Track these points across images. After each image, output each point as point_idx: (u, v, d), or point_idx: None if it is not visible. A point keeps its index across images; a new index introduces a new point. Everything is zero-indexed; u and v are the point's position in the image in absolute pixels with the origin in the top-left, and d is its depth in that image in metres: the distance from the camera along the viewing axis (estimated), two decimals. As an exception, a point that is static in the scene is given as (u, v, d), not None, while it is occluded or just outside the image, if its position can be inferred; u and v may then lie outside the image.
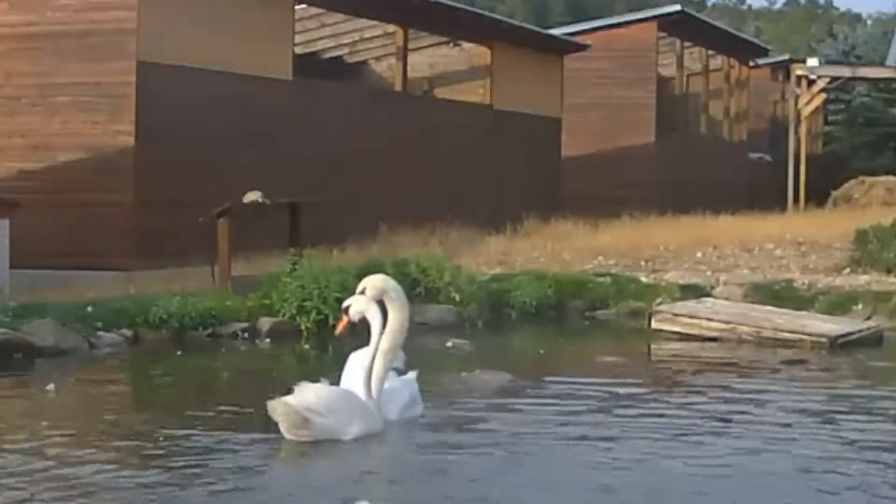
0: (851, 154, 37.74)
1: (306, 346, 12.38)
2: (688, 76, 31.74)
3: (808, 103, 32.01)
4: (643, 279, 15.75)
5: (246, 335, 12.56)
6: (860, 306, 14.27)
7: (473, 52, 25.26)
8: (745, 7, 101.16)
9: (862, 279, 15.59)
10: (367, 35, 25.31)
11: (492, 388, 9.52)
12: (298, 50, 20.32)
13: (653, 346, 13.01)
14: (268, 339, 12.53)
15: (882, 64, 35.96)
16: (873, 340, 12.87)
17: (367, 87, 25.38)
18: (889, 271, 15.78)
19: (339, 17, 23.38)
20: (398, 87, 22.38)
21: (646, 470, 6.87)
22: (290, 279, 12.85)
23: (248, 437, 7.61)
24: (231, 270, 13.81)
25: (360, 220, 18.28)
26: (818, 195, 30.64)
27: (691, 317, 13.26)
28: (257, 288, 13.11)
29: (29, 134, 16.08)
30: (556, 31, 28.87)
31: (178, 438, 7.57)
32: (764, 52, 36.67)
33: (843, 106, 38.96)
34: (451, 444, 7.51)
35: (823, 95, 32.77)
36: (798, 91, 31.97)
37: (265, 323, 12.68)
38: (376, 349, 7.88)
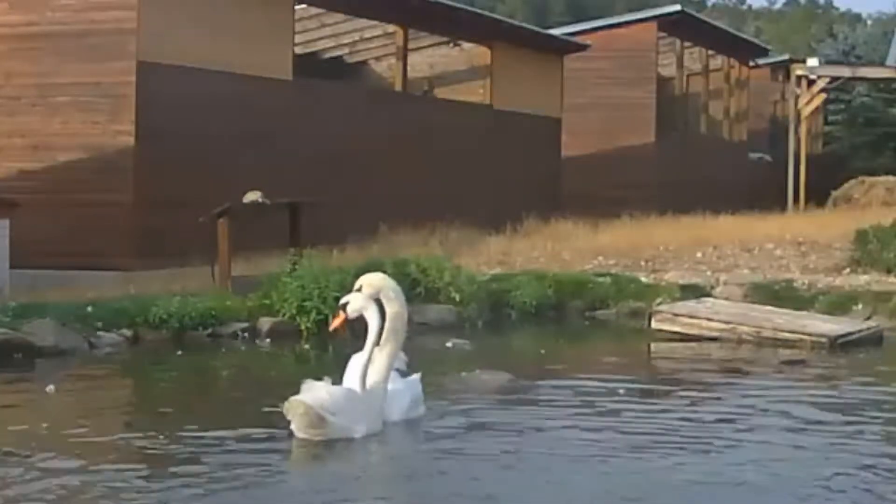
0: (851, 154, 37.74)
1: (306, 346, 12.37)
2: (688, 76, 31.74)
3: (808, 103, 32.01)
4: (643, 279, 15.75)
5: (246, 335, 12.55)
6: (860, 306, 14.27)
7: (473, 52, 25.27)
8: (745, 7, 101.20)
9: (862, 279, 15.59)
10: (367, 35, 25.31)
11: (492, 388, 9.52)
12: (298, 50, 20.32)
13: (653, 346, 13.00)
14: (268, 339, 12.53)
15: (882, 64, 35.96)
16: (873, 340, 12.87)
17: (367, 87, 25.38)
18: (889, 271, 15.79)
19: (339, 17, 23.38)
20: (398, 87, 22.38)
21: (647, 469, 6.87)
22: (290, 279, 12.84)
23: (249, 436, 7.61)
24: (231, 270, 13.81)
25: (360, 220, 18.28)
26: (818, 195, 30.64)
27: (691, 317, 13.26)
28: (257, 288, 13.11)
29: (29, 134, 16.08)
30: (556, 31, 28.87)
31: (179, 438, 7.56)
32: (764, 52, 36.67)
33: (843, 106, 38.96)
34: (452, 443, 7.51)
35: (823, 95, 32.78)
36: (798, 91, 31.98)
37: (265, 323, 12.68)
38: (373, 348, 7.87)
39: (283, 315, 12.70)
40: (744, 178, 33.04)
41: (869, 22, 71.28)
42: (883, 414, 8.80)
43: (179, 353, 11.68)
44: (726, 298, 14.56)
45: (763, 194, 31.29)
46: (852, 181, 31.77)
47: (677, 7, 29.11)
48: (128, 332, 12.03)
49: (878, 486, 6.54)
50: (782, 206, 30.25)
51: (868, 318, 13.80)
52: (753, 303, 14.30)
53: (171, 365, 11.28)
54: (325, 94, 19.72)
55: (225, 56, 16.87)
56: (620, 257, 17.64)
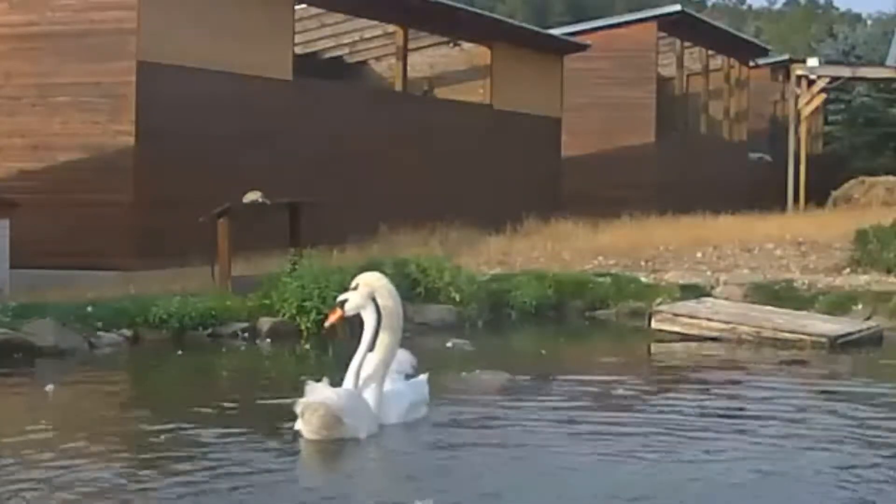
0: (851, 154, 37.76)
1: (306, 346, 12.37)
2: (688, 76, 31.73)
3: (808, 103, 32.01)
4: (643, 279, 15.75)
5: (246, 335, 12.55)
6: (860, 306, 14.27)
7: (473, 52, 25.26)
8: (745, 7, 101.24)
9: (862, 279, 15.59)
10: (367, 35, 25.30)
11: (492, 387, 9.52)
12: (298, 50, 20.32)
13: (653, 346, 13.00)
14: (268, 339, 12.53)
15: (882, 64, 35.96)
16: (873, 340, 12.88)
17: (367, 87, 25.38)
18: (889, 271, 15.79)
19: (339, 17, 23.37)
20: (398, 87, 22.37)
21: (647, 468, 6.87)
22: (290, 279, 12.84)
23: (249, 436, 7.61)
24: (231, 270, 13.81)
25: (360, 220, 18.28)
26: (818, 195, 30.65)
27: (691, 317, 13.26)
28: (257, 288, 13.11)
29: (29, 134, 16.08)
30: (556, 31, 28.87)
31: (179, 438, 7.56)
32: (764, 52, 36.66)
33: (843, 106, 38.97)
34: (453, 443, 7.51)
35: (823, 95, 32.78)
36: (798, 91, 31.97)
37: (265, 323, 12.68)
38: (368, 347, 7.87)
39: (283, 315, 12.70)
40: (744, 178, 33.03)
41: (869, 22, 71.32)
42: (883, 414, 8.80)
43: (179, 353, 11.69)
44: (726, 298, 14.57)
45: (763, 194, 31.29)
46: (852, 181, 31.78)
47: (677, 7, 29.11)
48: (128, 332, 12.04)
49: (878, 485, 6.55)
50: (782, 206, 30.25)
51: (868, 318, 13.81)
52: (753, 303, 14.31)
53: (171, 365, 11.29)
54: (325, 94, 19.72)
55: (225, 56, 16.87)
56: (620, 257, 17.65)
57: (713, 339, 12.89)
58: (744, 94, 34.22)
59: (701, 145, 31.79)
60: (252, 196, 14.37)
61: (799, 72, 32.29)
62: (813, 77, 32.03)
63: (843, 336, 12.56)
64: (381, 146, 20.24)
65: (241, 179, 15.55)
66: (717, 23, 36.95)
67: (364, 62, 27.10)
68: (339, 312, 8.08)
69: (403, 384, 8.18)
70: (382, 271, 8.98)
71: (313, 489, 6.66)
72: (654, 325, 13.43)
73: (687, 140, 31.28)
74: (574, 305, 15.04)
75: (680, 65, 31.00)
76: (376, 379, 7.88)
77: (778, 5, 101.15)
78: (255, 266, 14.35)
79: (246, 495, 6.32)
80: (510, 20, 29.05)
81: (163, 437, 7.61)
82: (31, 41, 16.06)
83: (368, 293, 8.00)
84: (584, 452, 7.29)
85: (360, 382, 7.83)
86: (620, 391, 9.60)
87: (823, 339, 12.43)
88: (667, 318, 13.39)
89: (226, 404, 8.98)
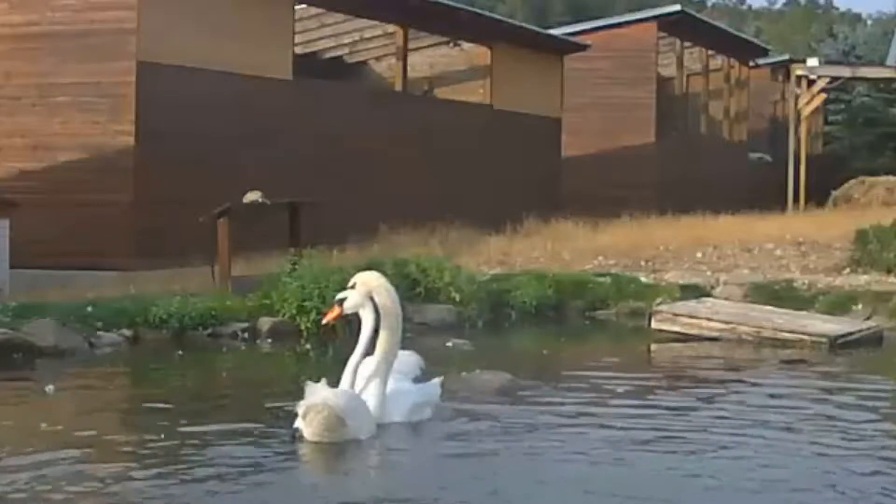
0: (851, 154, 37.76)
1: (306, 346, 12.37)
2: (688, 76, 31.74)
3: (808, 103, 32.01)
4: (643, 279, 15.75)
5: (246, 335, 12.56)
6: (860, 306, 14.27)
7: (473, 52, 25.26)
8: (745, 7, 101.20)
9: (862, 279, 15.60)
10: (367, 35, 25.30)
11: (492, 388, 9.51)
12: (298, 50, 20.32)
13: (653, 346, 13.00)
14: (268, 340, 12.53)
15: (882, 64, 35.95)
16: (873, 340, 12.88)
17: (367, 87, 25.38)
18: (889, 271, 15.79)
19: (339, 17, 23.37)
20: (398, 87, 22.38)
21: (647, 468, 6.87)
22: (290, 279, 12.84)
23: (250, 436, 7.60)
24: (231, 270, 13.81)
25: (360, 220, 18.28)
26: (818, 195, 30.65)
27: (691, 317, 13.26)
28: (257, 288, 13.11)
29: (29, 134, 16.08)
30: (556, 31, 28.87)
31: (179, 438, 7.56)
32: (764, 52, 36.66)
33: (843, 106, 38.97)
34: (453, 443, 7.51)
35: (823, 95, 32.78)
36: (798, 91, 31.98)
37: (265, 323, 12.68)
38: (366, 347, 7.87)
39: (283, 315, 12.70)
40: (744, 178, 33.04)
41: (869, 22, 71.33)
42: (883, 413, 8.80)
43: (179, 353, 11.69)
44: (726, 298, 14.56)
45: (763, 194, 31.29)
46: (852, 181, 31.77)
47: (677, 7, 29.11)
48: (128, 332, 12.04)
49: (878, 485, 6.54)
50: (782, 206, 30.26)
51: (868, 318, 13.81)
52: (753, 303, 14.30)
53: (171, 365, 11.28)
54: (325, 94, 19.72)
55: (225, 56, 16.87)
56: (620, 257, 17.65)
57: (713, 339, 12.89)
58: (744, 94, 34.22)
59: (701, 145, 31.79)
60: (252, 196, 14.37)
61: (799, 72, 32.30)
62: (813, 77, 32.03)
63: (843, 336, 12.56)
64: (381, 146, 20.24)
65: (241, 179, 15.56)
66: (717, 23, 36.97)
67: (364, 62, 27.09)
68: (337, 310, 8.07)
69: (408, 385, 8.16)
70: (382, 271, 8.98)
71: (313, 489, 6.65)
72: (654, 325, 13.43)
73: (687, 140, 31.28)
74: (574, 305, 15.04)
75: (680, 65, 31.00)
76: (376, 379, 7.88)
77: (778, 5, 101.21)
78: (255, 266, 14.35)
79: (246, 495, 6.32)
80: (510, 20, 29.05)
81: (163, 436, 7.61)
82: (31, 41, 16.06)
83: (366, 292, 7.99)
84: (584, 452, 7.28)
85: (360, 383, 7.83)
86: (621, 391, 9.60)
87: (823, 339, 12.43)
88: (667, 318, 13.39)
89: (225, 404, 8.97)
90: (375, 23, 23.71)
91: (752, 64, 34.74)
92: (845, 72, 33.33)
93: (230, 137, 16.99)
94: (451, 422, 8.11)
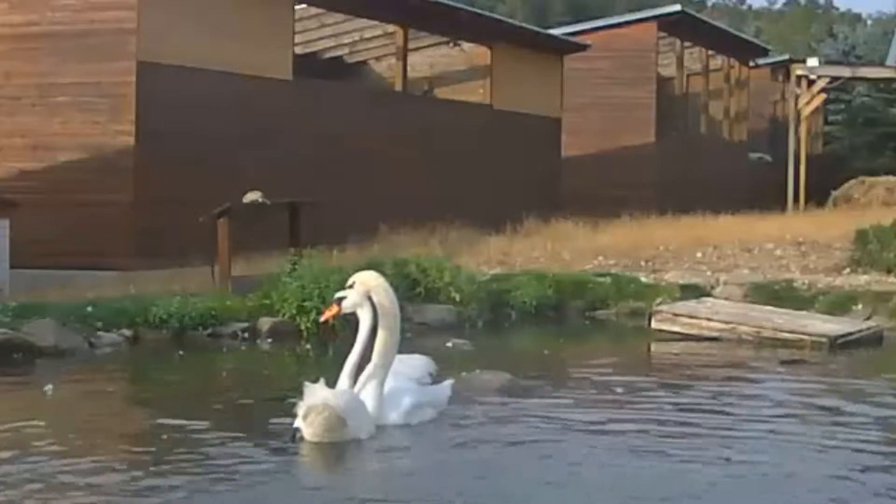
0: (851, 154, 37.75)
1: (306, 346, 12.38)
2: (688, 76, 31.74)
3: (808, 103, 32.01)
4: (643, 279, 15.75)
5: (246, 335, 12.55)
6: (860, 306, 14.27)
7: (473, 52, 25.26)
8: (745, 7, 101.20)
9: (862, 279, 15.59)
10: (367, 35, 25.30)
11: (492, 388, 9.52)
12: (298, 50, 20.32)
13: (653, 346, 13.01)
14: (268, 340, 12.53)
15: (882, 64, 35.96)
16: (873, 340, 12.88)
17: (367, 87, 25.38)
18: (889, 271, 15.79)
19: (339, 17, 23.37)
20: (398, 87, 22.38)
21: (647, 468, 6.87)
22: (290, 279, 12.84)
23: (250, 436, 7.61)
24: (231, 270, 13.81)
25: (360, 220, 18.28)
26: (818, 195, 30.65)
27: (691, 317, 13.26)
28: (257, 288, 13.11)
29: (29, 134, 16.08)
30: (556, 31, 28.87)
31: (179, 438, 7.56)
32: (764, 52, 36.67)
33: (843, 106, 38.97)
34: (454, 443, 7.51)
35: (823, 95, 32.78)
36: (798, 91, 31.98)
37: (265, 323, 12.68)
38: (363, 346, 7.87)
39: (283, 315, 12.70)
40: (744, 178, 33.04)
41: (869, 22, 71.32)
42: (882, 413, 8.80)
43: (180, 353, 11.69)
44: (726, 298, 14.57)
45: (763, 194, 31.29)
46: (852, 181, 31.77)
47: (677, 7, 29.11)
48: (128, 332, 12.04)
49: (878, 485, 6.54)
50: (782, 206, 30.25)
51: (868, 318, 13.81)
52: (753, 303, 14.31)
53: (171, 365, 11.28)
54: (325, 94, 19.72)
55: (225, 56, 16.87)
56: (620, 257, 17.65)
57: (713, 339, 12.89)
58: (744, 94, 34.22)
59: (701, 145, 31.80)
60: (252, 196, 14.37)
61: (799, 72, 32.30)
62: (813, 77, 32.03)
63: (843, 336, 12.56)
64: (381, 146, 20.24)
65: (241, 179, 15.56)
66: (717, 23, 36.97)
67: (364, 62, 27.10)
68: (335, 308, 8.08)
69: (410, 385, 8.15)
70: (381, 271, 8.98)
71: (313, 489, 6.65)
72: (654, 325, 13.43)
73: (687, 140, 31.28)
74: (574, 305, 15.04)
75: (680, 65, 31.00)
76: (375, 379, 7.87)
77: (778, 5, 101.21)
78: (255, 266, 14.35)
79: (246, 495, 6.32)
80: (510, 20, 29.05)
81: (163, 436, 7.61)
82: (31, 41, 16.06)
83: (365, 292, 7.99)
84: (584, 452, 7.29)
85: (359, 383, 7.83)
86: (621, 391, 9.60)
87: (823, 339, 12.43)
88: (667, 318, 13.39)
89: (226, 404, 8.97)
90: (375, 23, 23.71)
91: (752, 64, 34.75)
92: (845, 72, 33.33)
93: (230, 137, 16.99)
94: (451, 422, 8.11)
